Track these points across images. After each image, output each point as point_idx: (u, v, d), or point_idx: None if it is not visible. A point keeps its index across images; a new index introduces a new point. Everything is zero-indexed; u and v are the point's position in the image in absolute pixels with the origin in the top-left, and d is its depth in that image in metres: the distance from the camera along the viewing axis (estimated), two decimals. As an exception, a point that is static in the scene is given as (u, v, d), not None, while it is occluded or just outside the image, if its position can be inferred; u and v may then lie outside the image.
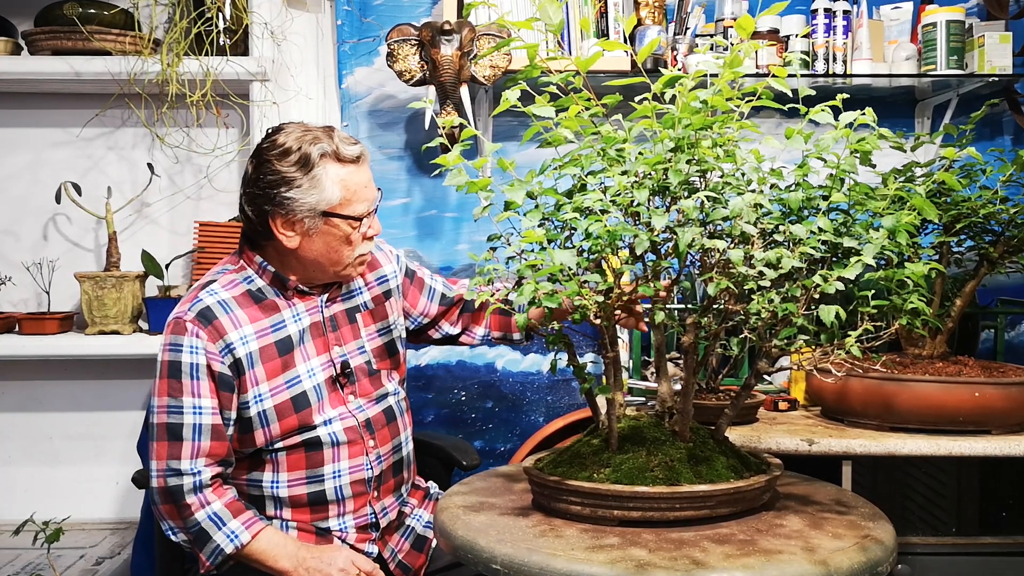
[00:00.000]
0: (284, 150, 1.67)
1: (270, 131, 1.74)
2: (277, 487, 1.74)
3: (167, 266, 2.68)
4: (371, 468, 1.79)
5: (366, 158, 1.75)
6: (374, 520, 1.81)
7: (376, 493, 1.81)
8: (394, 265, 1.96)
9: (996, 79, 2.47)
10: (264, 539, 1.66)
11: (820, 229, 1.34)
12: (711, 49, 2.50)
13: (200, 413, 1.66)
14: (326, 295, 1.81)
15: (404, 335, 1.97)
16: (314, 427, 1.73)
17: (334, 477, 1.76)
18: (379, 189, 1.79)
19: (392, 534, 1.86)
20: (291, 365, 1.74)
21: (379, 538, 1.82)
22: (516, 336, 2.05)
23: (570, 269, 1.33)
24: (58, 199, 2.61)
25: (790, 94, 1.42)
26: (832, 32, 2.53)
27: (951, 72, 2.48)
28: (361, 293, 1.88)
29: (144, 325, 2.68)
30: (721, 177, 1.39)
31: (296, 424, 1.72)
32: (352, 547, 1.77)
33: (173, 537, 1.68)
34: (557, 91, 1.43)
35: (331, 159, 1.68)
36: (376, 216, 1.77)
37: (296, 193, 1.66)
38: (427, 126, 2.56)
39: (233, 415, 1.70)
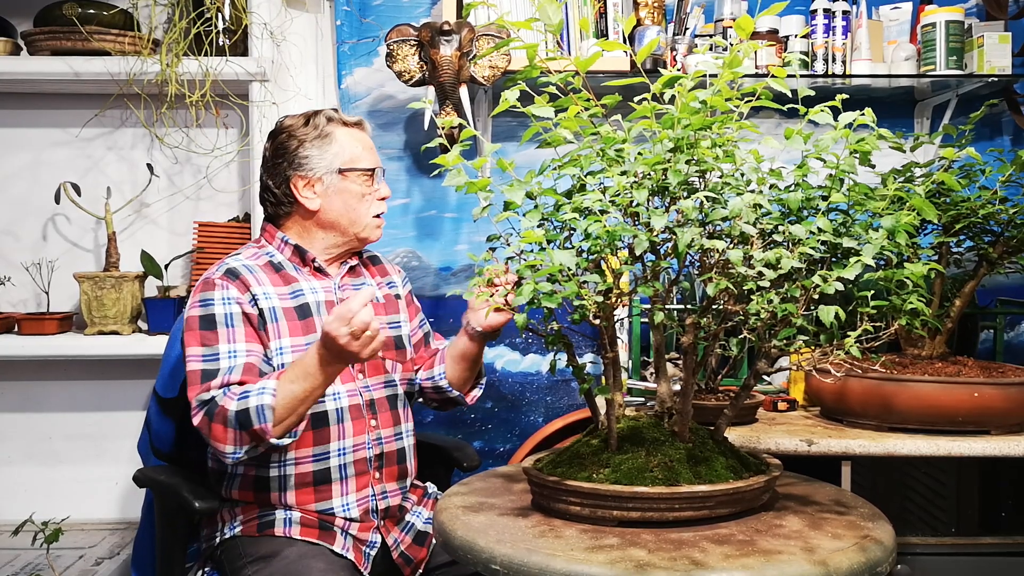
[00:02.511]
0: (294, 121, 1.88)
1: (278, 120, 1.94)
2: (285, 465, 1.78)
3: (166, 266, 2.68)
4: (372, 447, 1.84)
5: (366, 126, 1.94)
6: (375, 504, 1.84)
7: (378, 475, 1.85)
8: (400, 279, 2.08)
9: (995, 79, 2.47)
10: (285, 371, 1.67)
11: (819, 229, 1.34)
12: (710, 49, 2.50)
13: (235, 355, 1.72)
14: (338, 278, 1.91)
15: (411, 337, 2.04)
16: (323, 397, 1.77)
17: (339, 455, 1.80)
18: (383, 169, 1.96)
19: (394, 527, 1.87)
20: (311, 330, 1.82)
21: (381, 525, 1.85)
22: (442, 382, 2.00)
23: (569, 269, 1.33)
24: (57, 199, 2.61)
25: (789, 94, 1.42)
26: (831, 32, 2.53)
27: (950, 72, 2.48)
28: (372, 287, 1.95)
29: (143, 325, 2.68)
30: (720, 177, 1.39)
31: None
32: (355, 540, 1.80)
33: (239, 457, 1.65)
34: (556, 91, 1.43)
35: (337, 122, 1.88)
36: (384, 182, 1.93)
37: (313, 151, 1.85)
38: (426, 126, 2.56)
39: (271, 356, 1.77)
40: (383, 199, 1.92)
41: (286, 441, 1.68)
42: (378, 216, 1.91)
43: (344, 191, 1.85)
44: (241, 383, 1.69)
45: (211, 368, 1.71)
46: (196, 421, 1.69)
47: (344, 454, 1.81)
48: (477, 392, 2.06)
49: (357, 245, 1.93)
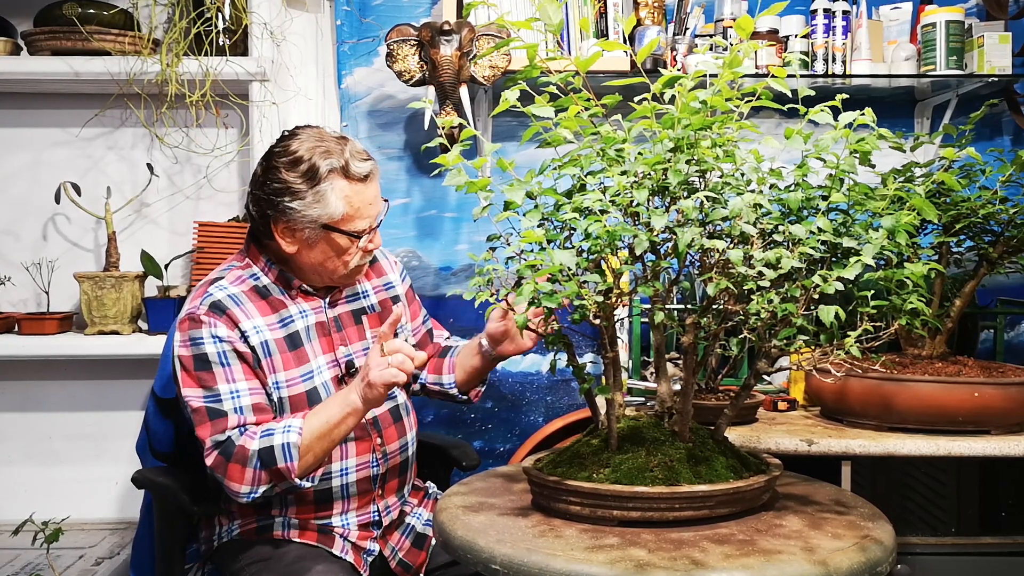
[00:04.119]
0: (294, 159, 1.68)
1: (286, 133, 1.75)
2: None
3: (166, 266, 2.68)
4: (378, 465, 1.81)
5: (375, 175, 1.75)
6: (377, 518, 1.82)
7: (381, 491, 1.83)
8: (398, 275, 2.00)
9: (995, 79, 2.47)
10: (314, 410, 1.65)
11: (820, 229, 1.34)
12: (711, 49, 2.50)
13: (238, 395, 1.67)
14: (329, 297, 1.83)
15: (410, 341, 1.99)
16: None
17: (341, 475, 1.77)
18: (386, 200, 1.82)
19: (393, 532, 1.86)
20: (304, 360, 1.76)
21: (380, 536, 1.83)
22: (453, 391, 2.00)
23: (570, 269, 1.33)
24: (57, 199, 2.61)
25: (789, 94, 1.42)
26: (831, 32, 2.53)
27: (950, 72, 2.48)
28: (367, 296, 1.91)
29: (144, 325, 2.68)
30: (720, 177, 1.39)
31: None
32: (354, 544, 1.78)
33: (255, 497, 1.63)
34: (557, 91, 1.43)
35: (339, 175, 1.69)
36: (378, 231, 1.79)
37: (299, 205, 1.68)
38: (426, 126, 2.56)
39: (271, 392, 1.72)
40: (368, 252, 1.77)
41: (306, 485, 1.65)
42: (359, 266, 1.79)
43: (324, 245, 1.72)
44: (257, 424, 1.66)
45: (216, 407, 1.65)
46: (210, 461, 1.64)
47: (347, 474, 1.78)
48: (481, 389, 2.05)
49: (334, 284, 1.82)
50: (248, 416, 1.66)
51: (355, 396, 1.63)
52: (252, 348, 1.70)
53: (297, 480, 1.62)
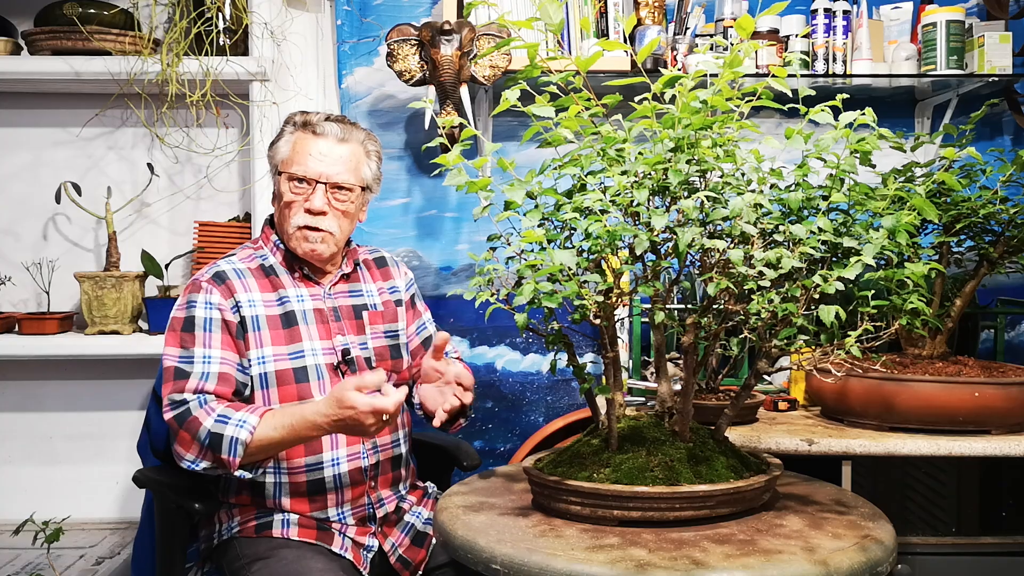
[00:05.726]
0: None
1: None
2: (279, 473, 1.78)
3: (167, 266, 2.68)
4: (367, 457, 1.83)
5: (333, 137, 1.84)
6: (371, 511, 1.83)
7: (373, 483, 1.85)
8: (404, 283, 2.05)
9: (996, 79, 2.47)
10: (271, 414, 1.66)
11: (820, 229, 1.34)
12: (711, 49, 2.50)
13: (209, 361, 1.73)
14: (330, 284, 1.90)
15: (408, 344, 2.02)
16: None
17: (333, 465, 1.80)
18: (365, 188, 1.90)
19: (392, 528, 1.87)
20: (296, 339, 1.81)
21: (379, 531, 1.83)
22: (419, 412, 1.96)
23: (570, 269, 1.33)
24: (58, 199, 2.61)
25: (790, 94, 1.42)
26: (832, 32, 2.53)
27: (951, 72, 2.48)
28: (371, 295, 1.97)
29: (144, 325, 2.68)
30: (721, 177, 1.39)
31: (295, 395, 1.78)
32: (353, 540, 1.79)
33: (196, 467, 1.67)
34: (557, 91, 1.43)
35: (299, 127, 1.87)
36: (323, 195, 1.81)
37: (270, 153, 1.90)
38: (427, 126, 2.56)
39: (247, 365, 1.78)
40: (312, 212, 1.80)
41: (247, 475, 1.67)
42: (307, 229, 1.81)
43: (278, 191, 1.87)
44: (217, 395, 1.70)
45: (184, 368, 1.72)
46: (166, 417, 1.71)
47: (338, 464, 1.80)
48: (463, 422, 1.95)
49: (290, 250, 1.86)
50: (211, 383, 1.71)
51: (322, 422, 1.60)
52: (243, 318, 1.78)
53: (237, 473, 1.66)
